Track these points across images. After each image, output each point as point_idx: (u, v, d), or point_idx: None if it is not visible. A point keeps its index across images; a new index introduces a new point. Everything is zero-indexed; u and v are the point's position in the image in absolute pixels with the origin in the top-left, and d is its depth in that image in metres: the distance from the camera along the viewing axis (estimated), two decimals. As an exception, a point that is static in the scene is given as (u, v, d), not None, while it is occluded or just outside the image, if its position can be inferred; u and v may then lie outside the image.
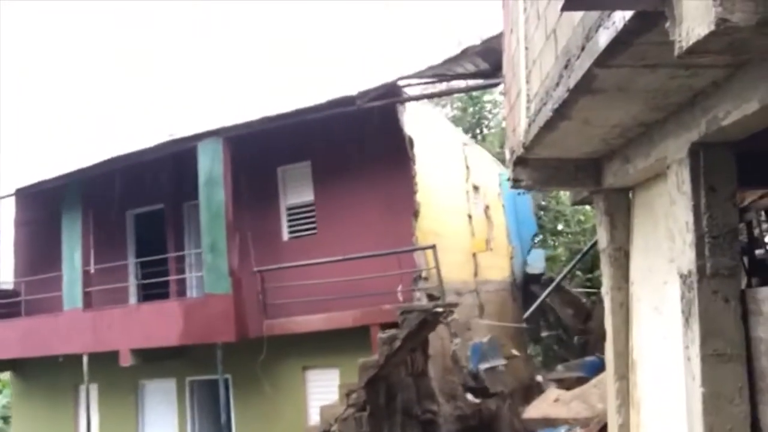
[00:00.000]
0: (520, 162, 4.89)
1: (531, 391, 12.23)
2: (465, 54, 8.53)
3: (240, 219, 10.68)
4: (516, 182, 5.17)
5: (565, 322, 15.41)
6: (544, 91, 3.75)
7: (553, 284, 14.12)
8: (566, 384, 10.77)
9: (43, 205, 13.72)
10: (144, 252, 12.85)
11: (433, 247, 9.43)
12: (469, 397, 9.26)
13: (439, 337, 9.71)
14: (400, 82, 9.63)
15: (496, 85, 9.58)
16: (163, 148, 11.05)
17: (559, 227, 17.66)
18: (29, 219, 14.74)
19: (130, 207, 13.22)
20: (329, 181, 10.93)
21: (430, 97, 10.22)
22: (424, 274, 9.85)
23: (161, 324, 11.09)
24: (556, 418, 8.71)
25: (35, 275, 13.41)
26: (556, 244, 17.25)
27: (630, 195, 4.97)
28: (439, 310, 8.73)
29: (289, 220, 11.39)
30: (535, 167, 4.90)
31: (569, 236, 16.82)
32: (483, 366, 9.63)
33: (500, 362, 10.15)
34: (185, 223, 12.52)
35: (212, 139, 10.47)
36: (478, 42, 8.20)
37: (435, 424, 8.99)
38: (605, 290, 5.20)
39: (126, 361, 11.23)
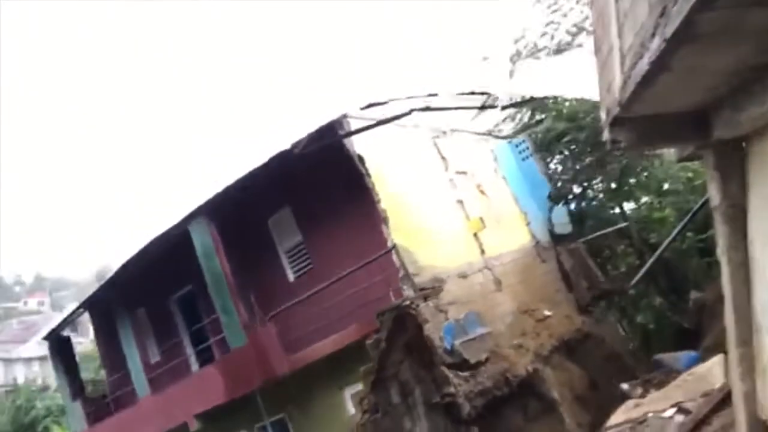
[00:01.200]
0: (616, 122, 4.62)
1: (579, 343, 12.45)
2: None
3: (247, 275, 11.95)
4: (614, 144, 4.91)
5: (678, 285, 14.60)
6: (639, 43, 3.51)
7: (663, 246, 13.36)
8: (654, 383, 10.32)
9: (101, 312, 15.66)
10: (191, 327, 14.56)
11: (393, 247, 10.13)
12: (447, 372, 9.31)
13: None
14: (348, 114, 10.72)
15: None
16: (165, 238, 12.30)
17: (665, 186, 16.63)
18: (98, 327, 17.11)
19: (170, 294, 14.82)
20: (309, 216, 12.01)
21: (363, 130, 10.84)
22: (412, 271, 10.20)
23: (210, 386, 12.39)
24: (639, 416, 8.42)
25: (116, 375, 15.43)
26: (663, 204, 16.29)
27: (744, 146, 4.57)
28: (407, 302, 9.35)
29: (290, 262, 12.50)
30: (634, 126, 4.61)
31: (678, 195, 15.81)
32: (459, 341, 9.66)
33: (481, 332, 10.17)
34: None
35: (198, 219, 11.84)
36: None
37: (457, 405, 9.10)
38: (721, 251, 4.85)
39: (192, 426, 12.71)
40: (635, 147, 5.02)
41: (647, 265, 13.36)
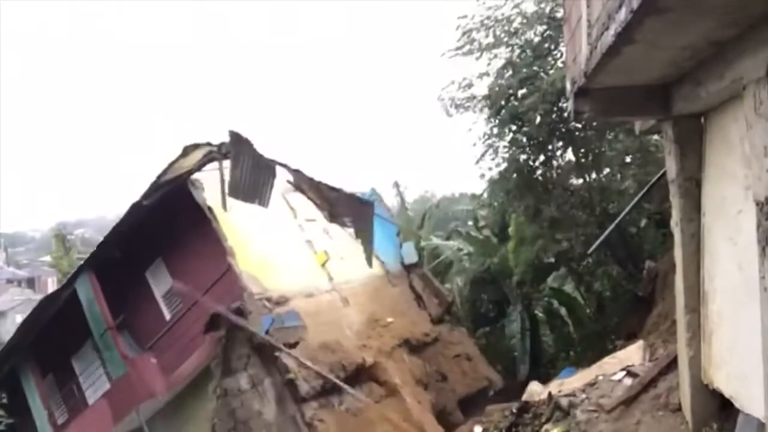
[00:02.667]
0: (581, 93, 4.69)
1: (427, 345, 15.86)
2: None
3: (130, 319, 14.59)
4: (578, 114, 4.98)
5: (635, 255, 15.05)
6: (606, 14, 3.54)
7: (620, 217, 13.72)
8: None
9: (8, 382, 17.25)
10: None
11: (229, 268, 13.10)
12: (287, 361, 12.19)
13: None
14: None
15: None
16: (56, 297, 14.87)
17: (627, 159, 16.94)
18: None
19: (72, 354, 16.30)
20: (176, 261, 14.37)
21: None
22: (258, 291, 13.08)
23: (100, 417, 14.49)
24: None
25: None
26: (623, 176, 16.63)
27: (702, 121, 4.70)
28: (237, 306, 12.48)
29: (166, 304, 14.75)
30: (598, 97, 4.69)
31: (637, 168, 16.13)
32: (274, 328, 12.42)
33: (295, 324, 12.96)
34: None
35: (82, 274, 14.18)
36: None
37: (296, 386, 12.01)
38: (675, 222, 5.02)
39: None
40: (599, 118, 5.10)
41: (604, 234, 13.73)
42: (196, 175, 13.59)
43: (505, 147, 16.33)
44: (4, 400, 18.64)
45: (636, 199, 13.63)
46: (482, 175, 17.03)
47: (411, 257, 18.24)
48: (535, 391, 13.10)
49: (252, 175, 13.13)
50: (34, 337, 15.54)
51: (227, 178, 13.13)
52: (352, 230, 15.37)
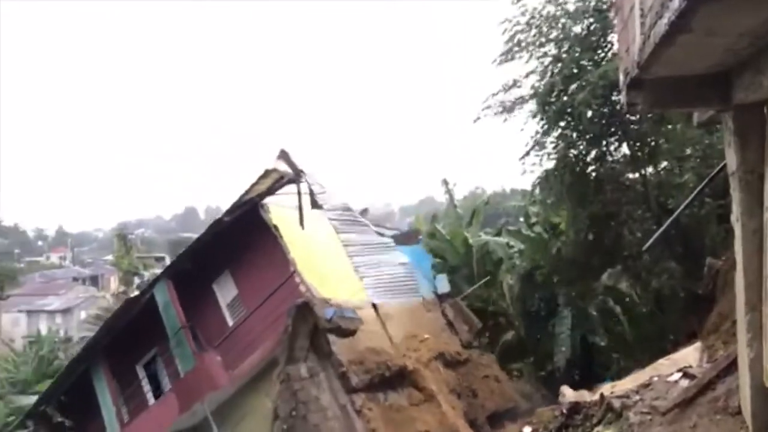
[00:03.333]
0: (634, 84, 4.53)
1: (459, 364, 17.63)
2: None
3: (196, 325, 15.83)
4: (631, 107, 4.82)
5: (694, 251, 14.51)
6: (659, 2, 3.41)
7: (679, 210, 13.24)
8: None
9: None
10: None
11: (294, 271, 14.86)
12: (340, 358, 14.05)
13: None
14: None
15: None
16: (130, 308, 16.60)
17: (688, 151, 16.32)
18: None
19: (137, 361, 17.86)
20: (242, 273, 16.12)
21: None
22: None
23: (166, 410, 15.80)
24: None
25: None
26: (682, 170, 16.04)
27: (764, 111, 4.47)
28: (304, 300, 14.14)
29: (230, 312, 16.31)
30: (653, 88, 4.51)
31: (697, 160, 15.53)
32: (336, 315, 14.01)
33: (353, 316, 14.53)
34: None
35: (160, 282, 16.00)
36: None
37: (348, 377, 13.89)
38: (735, 217, 4.80)
39: None
40: (653, 110, 4.93)
41: (661, 230, 13.28)
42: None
43: (552, 143, 16.03)
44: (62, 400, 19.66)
45: (695, 192, 13.12)
46: (524, 172, 16.80)
47: (444, 287, 20.11)
48: (567, 395, 13.63)
49: (312, 198, 15.39)
50: (110, 339, 16.89)
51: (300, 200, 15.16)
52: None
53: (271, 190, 15.55)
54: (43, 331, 45.96)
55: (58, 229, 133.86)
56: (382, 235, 20.11)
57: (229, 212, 15.45)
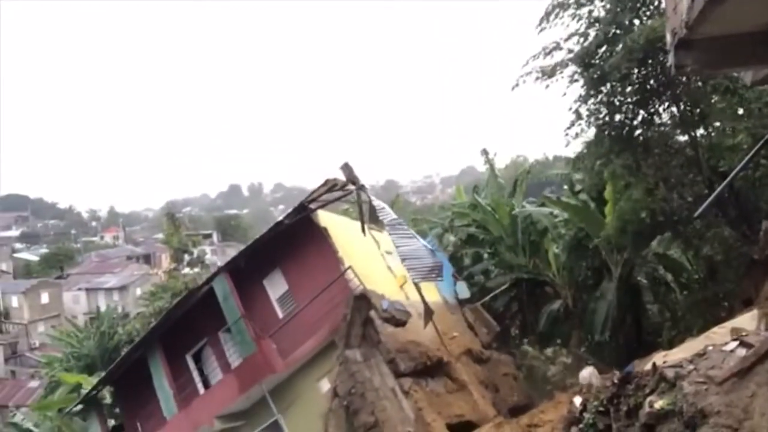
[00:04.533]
0: (683, 45, 4.31)
1: (482, 362, 19.30)
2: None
3: (249, 316, 16.86)
4: (680, 68, 4.60)
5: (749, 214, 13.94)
6: (709, -44, 3.22)
7: (732, 174, 12.69)
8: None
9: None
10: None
11: (349, 267, 16.30)
12: (390, 347, 15.44)
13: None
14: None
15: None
16: (191, 297, 17.88)
17: (740, 111, 15.56)
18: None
19: (187, 351, 18.99)
20: (293, 271, 17.50)
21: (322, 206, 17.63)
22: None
23: (226, 391, 17.04)
24: None
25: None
26: (735, 131, 15.32)
27: (825, 67, 4.20)
28: (362, 290, 15.50)
29: (280, 306, 17.66)
30: (703, 48, 4.29)
31: (751, 121, 14.80)
32: (390, 307, 15.55)
33: (404, 308, 16.12)
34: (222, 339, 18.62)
35: (219, 276, 17.28)
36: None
37: (397, 363, 15.26)
38: (794, 180, 4.57)
39: (213, 426, 16.95)
40: (704, 71, 4.69)
41: (714, 194, 12.78)
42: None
43: (595, 107, 15.52)
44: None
45: (750, 154, 12.53)
46: (567, 144, 16.32)
47: (464, 293, 21.66)
48: (586, 377, 13.73)
49: (370, 207, 16.80)
50: (168, 327, 18.08)
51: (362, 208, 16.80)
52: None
53: (331, 199, 17.47)
54: (102, 308, 48.04)
55: (110, 210, 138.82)
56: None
57: (289, 216, 16.89)
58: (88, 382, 24.09)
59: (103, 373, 21.94)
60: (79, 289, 67.15)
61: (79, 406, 20.73)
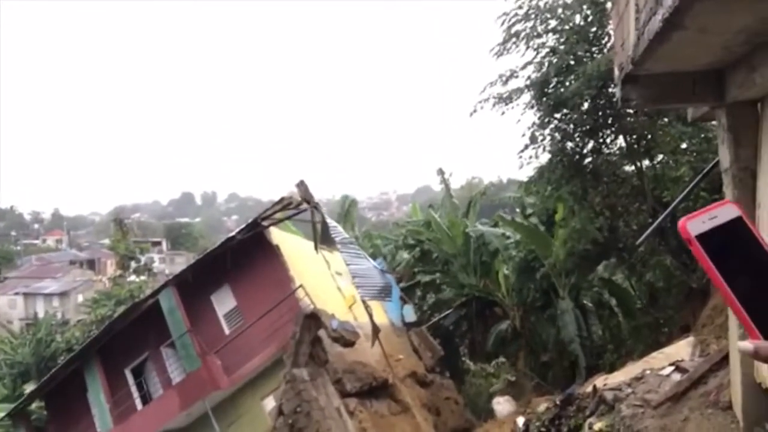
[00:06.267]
0: (629, 79, 4.51)
1: (426, 385, 19.56)
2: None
3: (195, 331, 16.63)
4: (626, 102, 4.79)
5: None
6: (654, -2, 3.38)
7: (672, 205, 13.22)
8: None
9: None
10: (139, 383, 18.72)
11: (300, 286, 16.26)
12: (336, 366, 15.53)
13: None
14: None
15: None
16: (135, 309, 17.54)
17: (683, 145, 16.28)
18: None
19: (126, 365, 18.59)
20: (242, 287, 17.42)
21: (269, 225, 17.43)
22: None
23: (167, 406, 16.59)
24: None
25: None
26: (678, 163, 16.00)
27: (758, 108, 4.45)
28: (311, 310, 15.47)
29: (227, 322, 17.58)
30: (647, 84, 4.49)
31: (693, 154, 15.49)
32: (340, 327, 15.51)
33: (353, 329, 16.19)
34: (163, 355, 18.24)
35: (166, 289, 16.97)
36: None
37: (344, 383, 15.31)
38: (728, 214, 4.80)
39: None
40: (648, 105, 4.91)
41: (655, 223, 13.28)
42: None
43: (549, 135, 15.98)
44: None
45: (690, 186, 13.09)
46: (521, 166, 16.74)
47: (410, 317, 22.26)
48: (500, 410, 17.02)
49: (324, 226, 17.03)
50: (108, 340, 17.61)
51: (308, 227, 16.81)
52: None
53: (284, 217, 17.52)
54: (41, 314, 46.03)
55: (54, 213, 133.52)
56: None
57: (242, 231, 16.79)
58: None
59: (37, 383, 20.98)
60: (17, 293, 64.13)
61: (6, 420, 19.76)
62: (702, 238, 1.05)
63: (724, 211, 1.07)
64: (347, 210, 29.73)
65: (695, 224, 1.07)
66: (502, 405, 18.30)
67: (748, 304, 1.02)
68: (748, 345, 0.97)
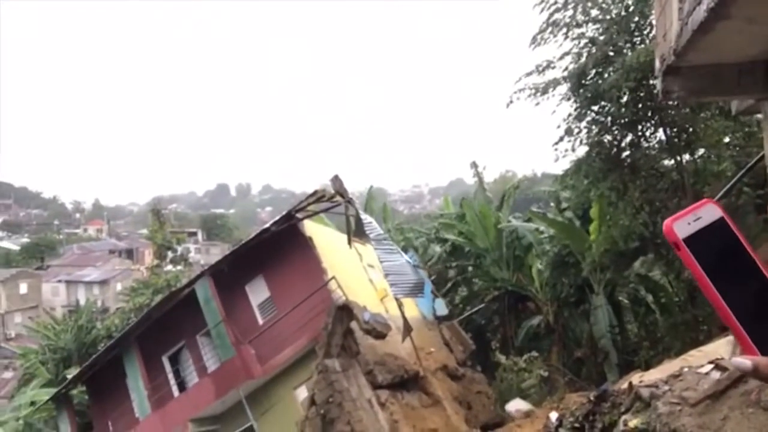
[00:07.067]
0: (671, 71, 4.41)
1: (457, 379, 19.29)
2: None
3: (229, 320, 16.88)
4: (667, 94, 4.70)
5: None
6: (699, -13, 3.31)
7: (716, 198, 12.92)
8: None
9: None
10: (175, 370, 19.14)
11: (332, 278, 16.23)
12: (368, 358, 15.53)
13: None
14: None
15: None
16: (172, 298, 17.91)
17: (726, 139, 15.84)
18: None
19: (164, 353, 18.94)
20: (276, 278, 17.60)
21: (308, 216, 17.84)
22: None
23: (202, 394, 16.93)
24: None
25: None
26: (720, 158, 15.56)
27: (807, 101, 4.32)
28: (344, 301, 15.34)
29: (261, 312, 17.73)
30: (689, 76, 4.38)
31: (736, 149, 15.05)
32: (372, 319, 15.33)
33: (384, 320, 15.92)
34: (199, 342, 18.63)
35: (201, 279, 17.31)
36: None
37: (374, 375, 15.25)
38: (772, 209, 4.68)
39: (186, 428, 16.81)
40: (690, 98, 4.80)
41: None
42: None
43: (585, 127, 15.71)
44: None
45: (733, 181, 12.78)
46: (556, 159, 16.50)
47: (442, 310, 21.80)
48: (515, 409, 16.89)
49: (358, 221, 16.96)
50: (146, 328, 18.00)
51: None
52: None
53: (318, 210, 17.77)
54: (82, 301, 47.42)
55: (95, 203, 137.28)
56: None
57: (276, 223, 17.03)
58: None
59: (78, 368, 21.68)
60: (59, 281, 66.30)
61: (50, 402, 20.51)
62: (689, 241, 0.97)
63: (707, 212, 0.98)
64: (373, 203, 29.77)
65: (681, 226, 0.98)
66: (514, 408, 18.17)
67: (741, 315, 0.93)
68: (745, 362, 0.88)
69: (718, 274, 0.95)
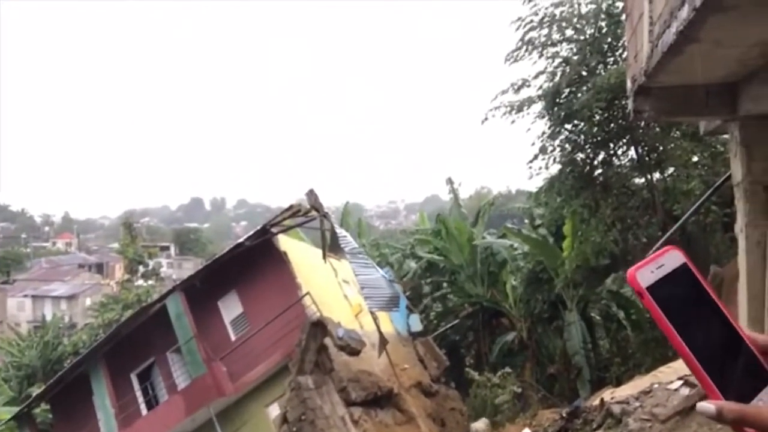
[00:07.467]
0: (642, 91, 4.51)
1: (431, 395, 19.31)
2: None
3: (201, 337, 16.63)
4: (638, 114, 4.80)
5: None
6: (668, 11, 3.40)
7: (683, 218, 13.16)
8: None
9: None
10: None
11: (306, 293, 16.23)
12: (342, 375, 15.36)
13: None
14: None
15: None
16: (142, 314, 17.58)
17: (695, 158, 16.21)
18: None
19: (132, 370, 18.57)
20: (249, 293, 17.43)
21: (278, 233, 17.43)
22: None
23: (172, 412, 16.62)
24: None
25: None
26: (689, 177, 15.93)
27: (772, 122, 4.44)
28: (318, 318, 15.36)
29: (233, 328, 17.54)
30: (660, 96, 4.49)
31: (704, 168, 15.42)
32: (346, 336, 15.37)
33: (358, 337, 15.92)
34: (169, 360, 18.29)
35: (173, 294, 16.98)
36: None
37: (348, 392, 15.09)
38: (739, 227, 4.78)
39: None
40: (660, 118, 4.91)
41: (665, 236, 13.20)
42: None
43: (559, 146, 15.97)
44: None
45: (701, 200, 13.03)
46: (530, 176, 16.74)
47: (416, 326, 21.79)
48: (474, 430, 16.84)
49: (332, 235, 16.98)
50: (114, 344, 17.63)
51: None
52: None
53: (293, 224, 17.69)
54: (48, 317, 46.21)
55: (65, 216, 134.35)
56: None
57: (250, 238, 16.87)
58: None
59: (43, 385, 21.06)
60: (25, 295, 64.52)
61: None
62: (652, 289, 0.97)
63: (670, 258, 0.99)
64: (349, 218, 29.75)
65: (644, 274, 0.98)
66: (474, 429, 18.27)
67: (704, 360, 0.93)
68: (710, 407, 0.89)
69: (682, 321, 0.96)
